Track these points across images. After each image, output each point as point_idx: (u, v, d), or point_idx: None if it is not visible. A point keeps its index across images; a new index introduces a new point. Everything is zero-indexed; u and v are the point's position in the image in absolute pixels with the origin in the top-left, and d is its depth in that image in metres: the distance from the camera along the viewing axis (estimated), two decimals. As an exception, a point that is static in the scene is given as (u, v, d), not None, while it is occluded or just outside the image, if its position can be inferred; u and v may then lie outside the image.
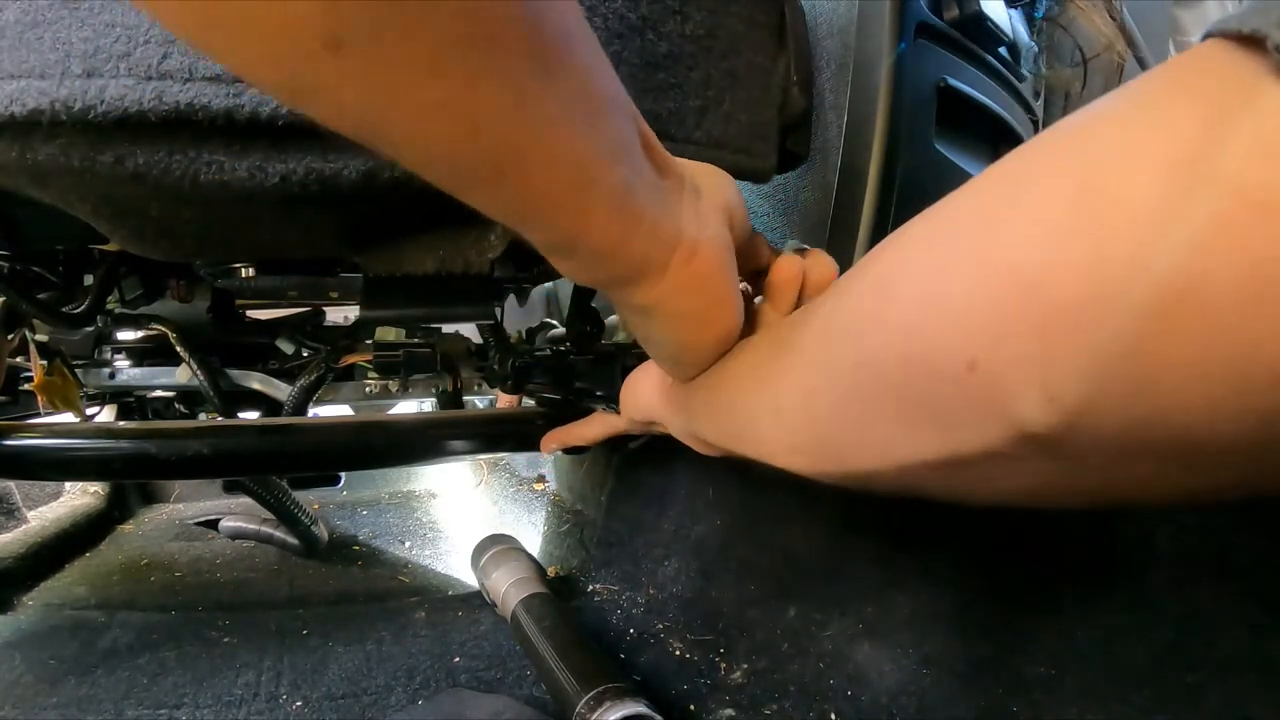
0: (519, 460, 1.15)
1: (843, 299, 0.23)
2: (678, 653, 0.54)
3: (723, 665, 0.51)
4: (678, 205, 0.27)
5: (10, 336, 0.56)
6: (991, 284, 0.16)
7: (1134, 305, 0.13)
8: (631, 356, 0.70)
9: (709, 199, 0.29)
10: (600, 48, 0.22)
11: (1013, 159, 0.17)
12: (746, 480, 0.59)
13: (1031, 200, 0.16)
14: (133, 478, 0.98)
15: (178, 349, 0.68)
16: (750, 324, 0.33)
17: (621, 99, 0.24)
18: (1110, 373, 0.14)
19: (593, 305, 0.65)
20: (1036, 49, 0.70)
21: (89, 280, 0.59)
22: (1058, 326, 0.15)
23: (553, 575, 0.77)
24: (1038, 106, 0.74)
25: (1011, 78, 0.68)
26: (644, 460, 0.72)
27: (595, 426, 0.52)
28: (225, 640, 0.56)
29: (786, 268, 0.33)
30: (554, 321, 0.85)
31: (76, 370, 0.69)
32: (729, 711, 0.47)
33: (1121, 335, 0.14)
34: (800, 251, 0.34)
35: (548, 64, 0.19)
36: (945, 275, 0.17)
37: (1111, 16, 0.70)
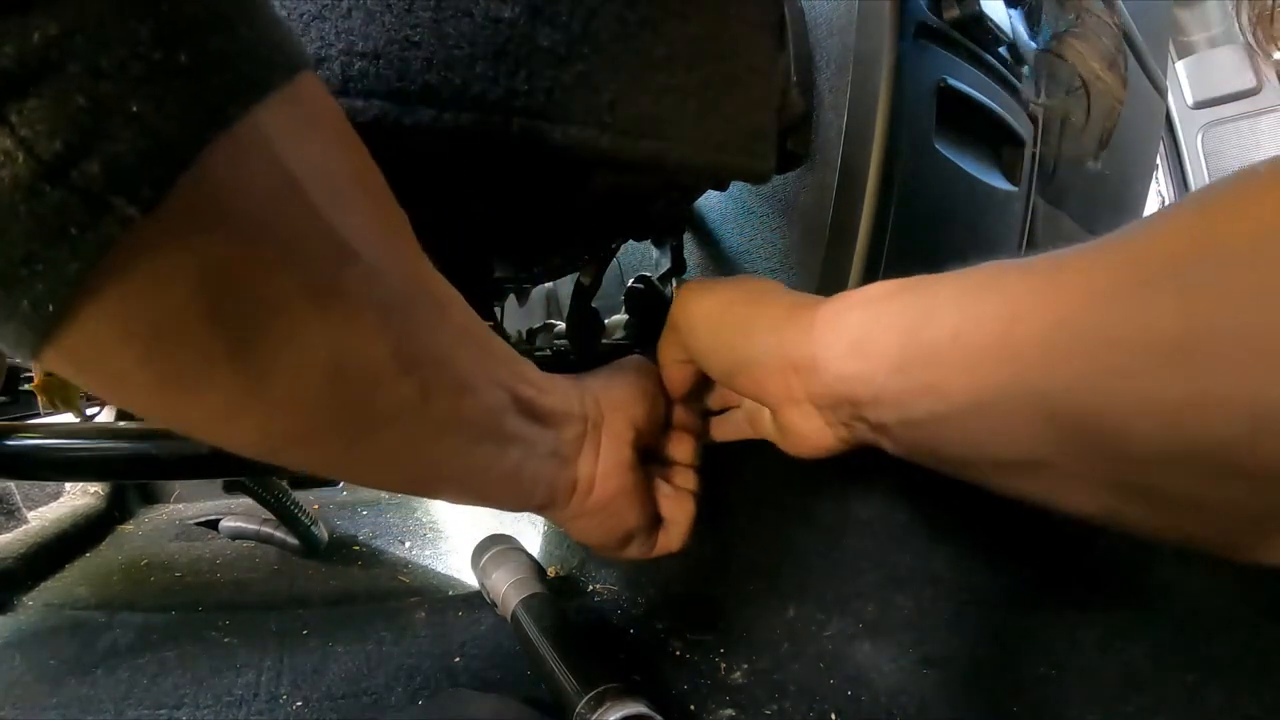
0: (519, 460, 1.15)
1: None
2: (678, 653, 0.54)
3: (723, 665, 0.51)
4: (572, 449, 0.32)
5: (10, 337, 0.56)
6: None
7: None
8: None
9: (611, 425, 0.33)
10: (489, 377, 0.28)
11: None
12: (746, 480, 0.59)
13: None
14: (133, 478, 0.98)
15: (178, 349, 0.68)
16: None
17: (503, 408, 0.29)
18: None
19: (593, 306, 0.65)
20: (1036, 48, 0.70)
21: (89, 280, 0.59)
22: None
23: (553, 575, 0.76)
24: (1038, 106, 0.74)
25: (1011, 78, 0.67)
26: (644, 460, 0.72)
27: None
28: (225, 640, 0.56)
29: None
30: (556, 322, 0.85)
31: (76, 370, 0.69)
32: (729, 711, 0.47)
33: None
34: None
35: (447, 431, 0.26)
36: None
37: (1112, 25, 0.70)
